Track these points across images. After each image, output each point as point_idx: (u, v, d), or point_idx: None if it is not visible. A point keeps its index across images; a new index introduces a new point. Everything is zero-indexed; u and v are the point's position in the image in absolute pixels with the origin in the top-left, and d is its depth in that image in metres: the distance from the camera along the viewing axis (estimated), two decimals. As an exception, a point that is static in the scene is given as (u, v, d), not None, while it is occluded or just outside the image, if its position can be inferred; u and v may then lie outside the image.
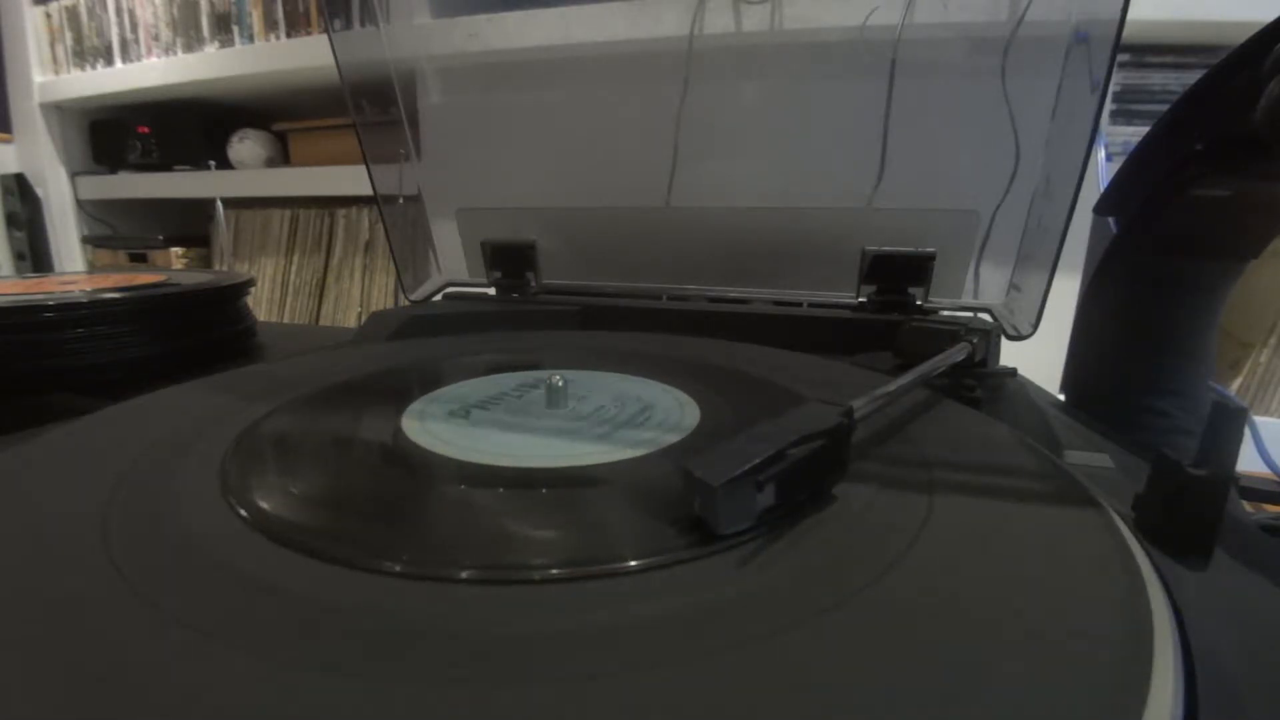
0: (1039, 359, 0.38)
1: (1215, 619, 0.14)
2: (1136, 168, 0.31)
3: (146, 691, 0.11)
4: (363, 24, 0.51)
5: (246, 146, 1.25)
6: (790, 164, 0.48)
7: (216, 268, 1.34)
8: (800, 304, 0.47)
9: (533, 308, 0.48)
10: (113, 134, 1.37)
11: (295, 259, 1.25)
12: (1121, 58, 0.73)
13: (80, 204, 1.45)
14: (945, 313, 0.43)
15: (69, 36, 1.38)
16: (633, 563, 0.15)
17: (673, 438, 0.22)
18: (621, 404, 0.25)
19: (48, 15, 1.39)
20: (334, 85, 0.49)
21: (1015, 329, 0.40)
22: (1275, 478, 0.25)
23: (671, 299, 0.49)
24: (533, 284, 0.51)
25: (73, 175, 1.44)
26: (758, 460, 0.15)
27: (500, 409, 0.25)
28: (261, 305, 1.26)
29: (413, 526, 0.18)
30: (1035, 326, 0.39)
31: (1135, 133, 0.73)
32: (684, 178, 0.49)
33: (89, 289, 0.39)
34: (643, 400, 0.26)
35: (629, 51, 0.49)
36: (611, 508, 0.18)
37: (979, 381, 0.30)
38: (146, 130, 1.32)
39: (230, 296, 0.44)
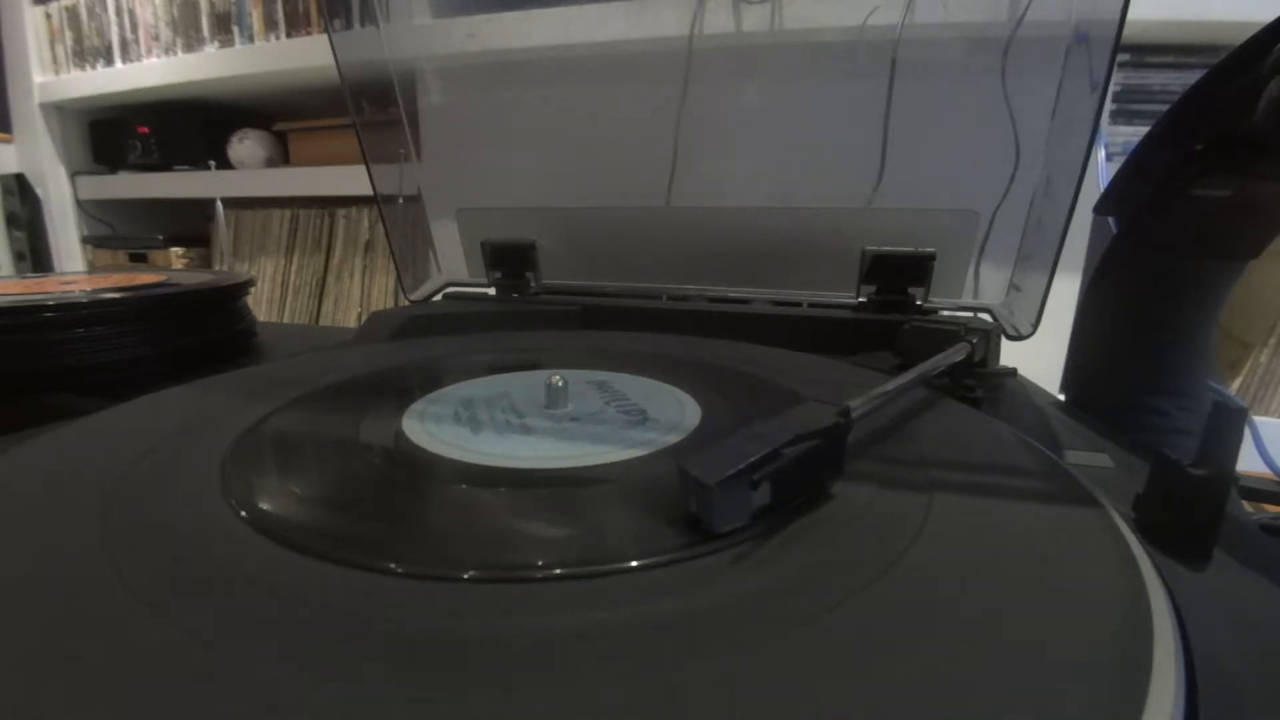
0: (1039, 359, 0.38)
1: (1215, 619, 0.14)
2: (1136, 168, 0.31)
3: (146, 692, 0.11)
4: (363, 24, 0.51)
5: (246, 146, 1.25)
6: (790, 164, 0.48)
7: (216, 268, 1.34)
8: (800, 304, 0.47)
9: (533, 308, 0.48)
10: (113, 134, 1.37)
11: (295, 259, 1.25)
12: (1121, 58, 0.73)
13: (80, 204, 1.45)
14: (945, 313, 0.43)
15: (69, 36, 1.38)
16: (630, 562, 0.15)
17: (673, 438, 0.22)
18: (622, 404, 0.25)
19: (48, 15, 1.39)
20: (334, 85, 0.49)
21: (1015, 329, 0.40)
22: (1275, 478, 0.25)
23: (671, 299, 0.49)
24: (533, 284, 0.51)
25: (73, 175, 1.44)
26: (753, 459, 0.15)
27: (500, 409, 0.25)
28: (261, 305, 1.26)
29: (414, 527, 0.18)
30: (1035, 326, 0.39)
31: (1135, 133, 0.73)
32: (684, 178, 0.49)
33: (89, 289, 0.39)
34: (643, 400, 0.26)
35: (629, 51, 0.49)
36: (611, 508, 0.18)
37: (979, 381, 0.30)
38: (146, 130, 1.32)
39: (230, 296, 0.44)
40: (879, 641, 0.12)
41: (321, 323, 1.23)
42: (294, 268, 1.25)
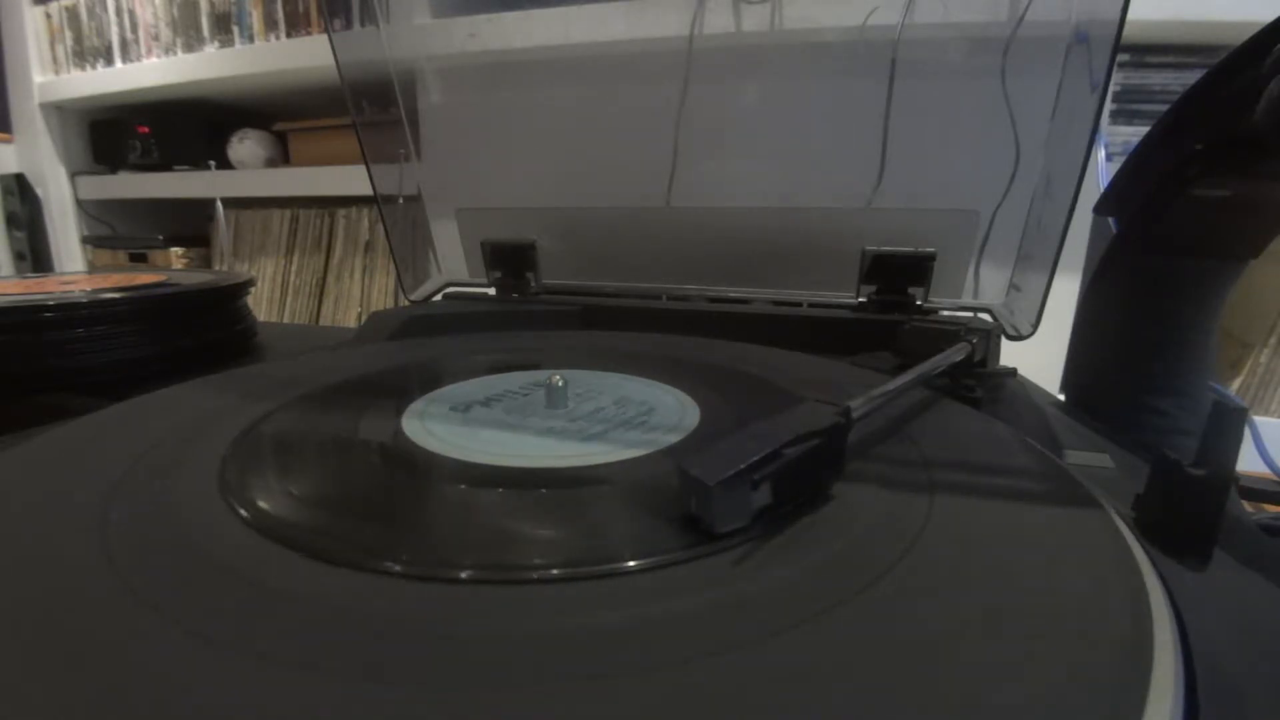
0: (1039, 359, 0.38)
1: (1215, 619, 0.14)
2: (1136, 168, 0.31)
3: (146, 692, 0.11)
4: (363, 24, 0.51)
5: (246, 146, 1.25)
6: (790, 164, 0.48)
7: (216, 268, 1.34)
8: (800, 304, 0.47)
9: (533, 308, 0.48)
10: (113, 134, 1.37)
11: (295, 259, 1.25)
12: (1121, 58, 0.73)
13: (80, 204, 1.45)
14: (945, 313, 0.43)
15: (69, 36, 1.37)
16: (628, 563, 0.15)
17: (673, 438, 0.22)
18: (621, 404, 0.25)
19: (48, 15, 1.39)
20: (334, 85, 0.49)
21: (1015, 329, 0.40)
22: (1275, 478, 0.25)
23: (671, 299, 0.49)
24: (533, 284, 0.51)
25: (73, 175, 1.44)
26: (753, 459, 0.15)
27: (500, 409, 0.25)
28: (261, 305, 1.26)
29: (412, 526, 0.18)
30: (1035, 326, 0.39)
31: (1135, 133, 0.73)
32: (684, 178, 0.49)
33: (89, 289, 0.39)
34: (643, 400, 0.26)
35: (629, 51, 0.49)
36: (611, 508, 0.18)
37: (979, 381, 0.30)
38: (146, 130, 1.32)
39: (230, 296, 0.44)
40: (879, 642, 0.12)
41: (321, 323, 1.23)
42: (294, 268, 1.25)
